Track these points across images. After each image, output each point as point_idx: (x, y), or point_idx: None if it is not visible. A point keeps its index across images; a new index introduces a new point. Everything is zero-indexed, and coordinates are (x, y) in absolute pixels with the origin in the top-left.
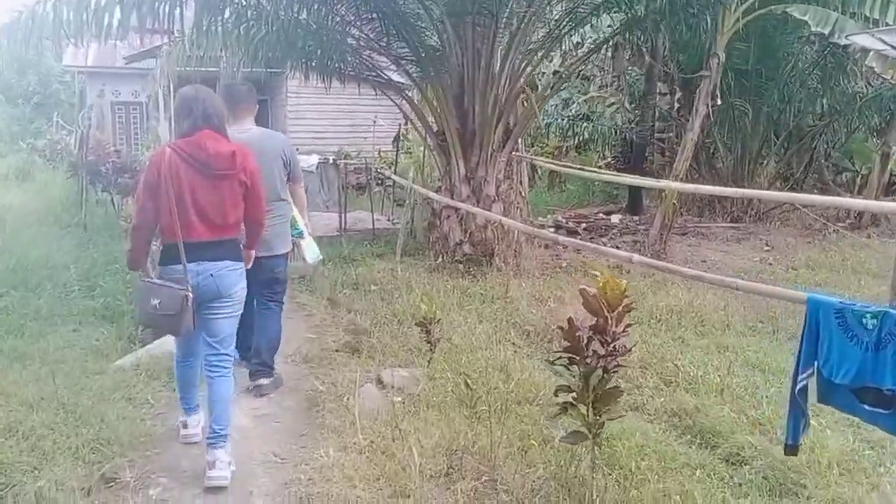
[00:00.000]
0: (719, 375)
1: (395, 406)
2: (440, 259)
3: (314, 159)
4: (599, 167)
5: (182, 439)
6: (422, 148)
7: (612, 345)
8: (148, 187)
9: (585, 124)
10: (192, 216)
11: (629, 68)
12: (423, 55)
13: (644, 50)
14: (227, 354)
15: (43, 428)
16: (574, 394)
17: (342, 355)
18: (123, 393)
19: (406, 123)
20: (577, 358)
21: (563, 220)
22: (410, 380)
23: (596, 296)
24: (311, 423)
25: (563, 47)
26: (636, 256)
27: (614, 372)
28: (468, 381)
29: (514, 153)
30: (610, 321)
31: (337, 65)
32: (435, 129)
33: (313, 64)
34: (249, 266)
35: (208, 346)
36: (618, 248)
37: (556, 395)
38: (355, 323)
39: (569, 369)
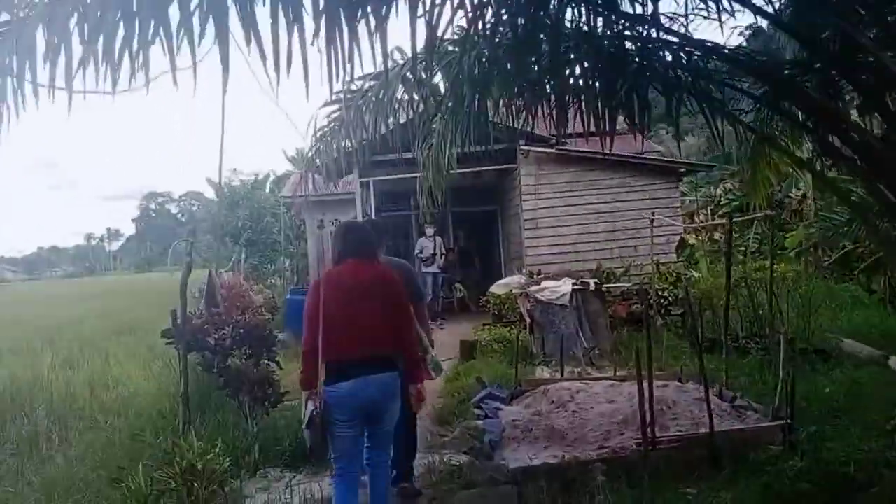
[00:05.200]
0: None
1: None
2: None
3: (567, 286)
4: None
5: None
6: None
7: None
8: (308, 314)
9: None
10: (345, 336)
11: None
12: None
13: None
14: (384, 452)
15: None
16: None
17: None
18: None
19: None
20: None
21: None
22: None
23: None
24: None
25: None
26: None
27: None
28: None
29: None
30: None
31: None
32: None
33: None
34: (420, 408)
35: (368, 450)
36: None
37: None
38: None
39: None
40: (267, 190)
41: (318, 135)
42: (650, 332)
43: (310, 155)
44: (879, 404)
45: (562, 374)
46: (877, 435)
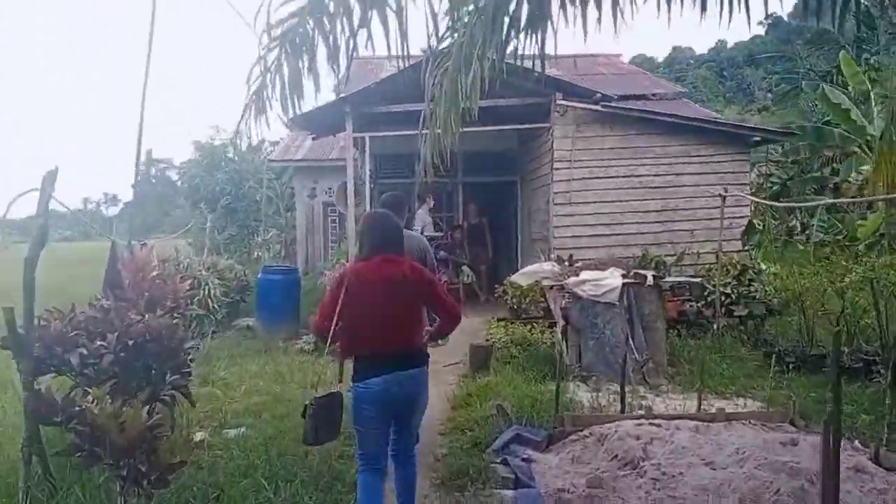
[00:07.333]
0: None
1: None
2: None
3: (615, 279)
4: None
5: None
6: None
7: None
8: (327, 302)
9: None
10: (376, 333)
11: None
12: None
13: None
14: (411, 444)
15: None
16: None
17: None
18: None
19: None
20: None
21: None
22: None
23: None
24: None
25: None
26: None
27: None
28: None
29: None
30: None
31: None
32: None
33: None
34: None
35: (394, 442)
36: None
37: None
38: None
39: None
40: (262, 156)
41: (277, 33)
42: (838, 375)
43: (258, 78)
44: None
45: (622, 408)
46: None
